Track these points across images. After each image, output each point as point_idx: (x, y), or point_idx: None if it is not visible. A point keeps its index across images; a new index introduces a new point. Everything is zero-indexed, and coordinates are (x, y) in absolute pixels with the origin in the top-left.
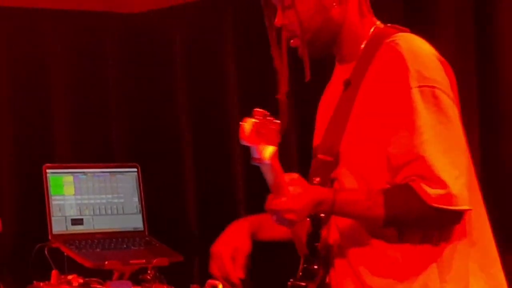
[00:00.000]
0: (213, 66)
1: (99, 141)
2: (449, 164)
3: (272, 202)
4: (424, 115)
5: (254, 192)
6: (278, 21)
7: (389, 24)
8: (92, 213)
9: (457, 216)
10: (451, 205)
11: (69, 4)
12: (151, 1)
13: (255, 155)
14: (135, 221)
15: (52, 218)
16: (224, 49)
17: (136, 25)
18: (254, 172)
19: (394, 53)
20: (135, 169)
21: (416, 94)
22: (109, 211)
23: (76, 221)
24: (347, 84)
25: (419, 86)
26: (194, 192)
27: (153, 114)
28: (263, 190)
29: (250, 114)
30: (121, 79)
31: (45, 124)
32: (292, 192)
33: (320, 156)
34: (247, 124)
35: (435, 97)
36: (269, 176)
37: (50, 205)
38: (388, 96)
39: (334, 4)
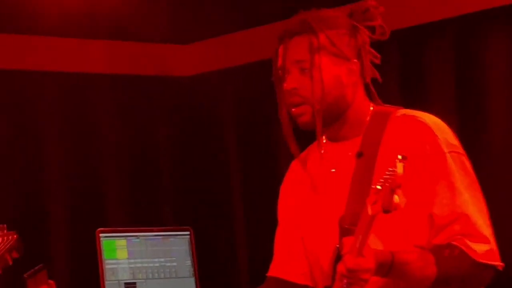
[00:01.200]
0: (263, 129)
1: (151, 204)
2: (485, 222)
3: (352, 261)
4: (458, 177)
5: None
6: (290, 83)
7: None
8: (145, 276)
9: (497, 271)
10: (496, 261)
11: (120, 68)
12: (201, 65)
13: (392, 200)
14: (188, 285)
15: (106, 283)
16: (274, 111)
17: (187, 88)
18: None
19: (421, 124)
20: (188, 233)
21: (449, 158)
22: (162, 275)
23: (130, 285)
24: (359, 155)
25: (449, 152)
26: (247, 256)
27: (204, 177)
28: None
29: None
30: (172, 142)
31: (97, 188)
32: (369, 252)
33: (345, 226)
34: (400, 165)
35: (461, 161)
36: (363, 231)
37: (104, 269)
38: (421, 162)
39: (350, 83)
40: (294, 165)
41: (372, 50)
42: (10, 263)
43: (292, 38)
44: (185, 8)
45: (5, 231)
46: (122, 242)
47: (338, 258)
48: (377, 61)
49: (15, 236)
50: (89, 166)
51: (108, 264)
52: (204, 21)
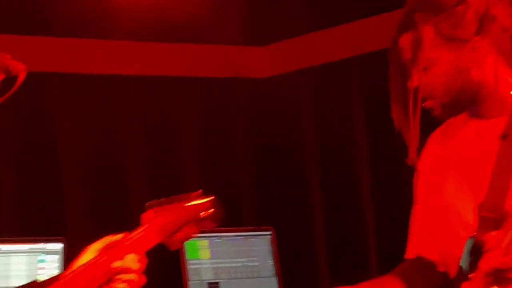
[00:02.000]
0: (341, 129)
1: (232, 205)
2: None
3: (499, 260)
4: None
5: (387, 253)
6: (415, 81)
7: None
8: (228, 276)
9: None
10: None
11: (196, 71)
12: (278, 66)
13: None
14: (270, 285)
15: (189, 283)
16: (353, 112)
17: (263, 90)
18: (386, 233)
19: None
20: (270, 232)
21: None
22: (245, 275)
23: (213, 285)
24: (504, 137)
25: None
26: (326, 256)
27: (283, 177)
28: (397, 251)
29: (379, 178)
30: (249, 144)
31: (177, 187)
32: None
33: (484, 214)
34: None
35: None
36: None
37: (187, 270)
38: None
39: (472, 65)
40: (434, 138)
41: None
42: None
43: (401, 35)
44: (260, 10)
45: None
46: (204, 243)
47: (475, 249)
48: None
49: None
50: (169, 169)
51: (191, 264)
52: (279, 22)
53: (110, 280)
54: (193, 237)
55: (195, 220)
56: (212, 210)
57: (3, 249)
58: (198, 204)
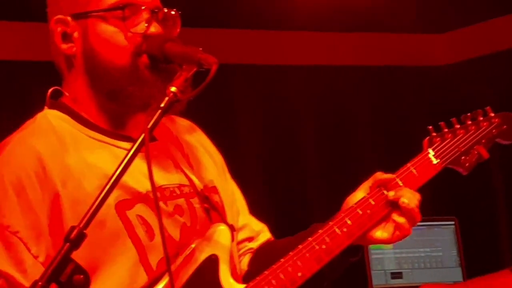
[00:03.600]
0: None
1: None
2: None
3: None
4: None
5: None
6: None
7: None
8: (411, 266)
9: None
10: None
11: (375, 60)
12: (455, 54)
13: None
14: (454, 275)
15: (372, 272)
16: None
17: (441, 78)
18: None
19: None
20: (453, 222)
21: None
22: (428, 265)
23: (396, 275)
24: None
25: None
26: (509, 246)
27: None
28: None
29: None
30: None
31: (356, 173)
32: None
33: None
34: None
35: None
36: None
37: (370, 259)
38: None
39: None
40: None
41: None
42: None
43: None
44: None
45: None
46: None
47: None
48: None
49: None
50: (345, 158)
51: (374, 254)
52: (456, 10)
53: (386, 217)
54: (485, 158)
55: (487, 139)
56: (504, 126)
57: None
58: (486, 121)
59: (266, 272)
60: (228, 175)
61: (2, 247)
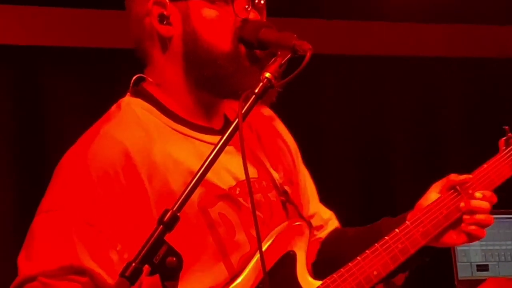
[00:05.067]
0: None
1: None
2: None
3: None
4: None
5: None
6: None
7: None
8: (497, 259)
9: None
10: None
11: (462, 51)
12: None
13: None
14: None
15: (458, 264)
16: None
17: None
18: None
19: None
20: None
21: None
22: None
23: (482, 267)
24: None
25: None
26: None
27: None
28: None
29: None
30: None
31: (440, 173)
32: None
33: None
34: None
35: None
36: None
37: (456, 252)
38: None
39: None
40: None
41: None
42: None
43: None
44: None
45: None
46: None
47: None
48: None
49: None
50: (433, 150)
51: (460, 247)
52: None
53: (459, 220)
54: None
55: None
56: None
57: None
58: None
59: (342, 270)
60: (301, 163)
61: (87, 244)
